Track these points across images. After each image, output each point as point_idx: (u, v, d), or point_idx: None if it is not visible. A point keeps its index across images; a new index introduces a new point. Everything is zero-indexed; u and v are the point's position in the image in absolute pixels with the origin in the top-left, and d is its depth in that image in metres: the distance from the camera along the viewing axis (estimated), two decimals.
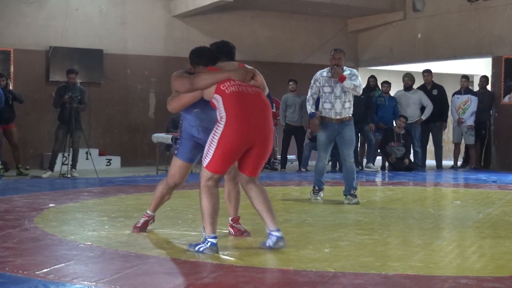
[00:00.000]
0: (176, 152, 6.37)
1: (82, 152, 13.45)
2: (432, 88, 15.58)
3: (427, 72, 15.76)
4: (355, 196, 8.87)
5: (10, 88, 13.34)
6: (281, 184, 12.29)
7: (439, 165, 15.92)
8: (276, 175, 14.12)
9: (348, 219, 8.00)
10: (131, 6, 15.90)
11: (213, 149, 5.37)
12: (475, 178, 13.38)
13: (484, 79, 15.98)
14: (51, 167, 13.21)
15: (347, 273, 5.01)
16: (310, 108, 9.22)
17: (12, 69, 14.32)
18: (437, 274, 5.10)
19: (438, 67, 16.98)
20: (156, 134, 14.39)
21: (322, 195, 9.25)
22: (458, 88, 15.90)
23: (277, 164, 15.66)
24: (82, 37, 15.34)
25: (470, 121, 15.33)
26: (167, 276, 5.01)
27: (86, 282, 4.67)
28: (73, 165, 13.04)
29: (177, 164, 6.23)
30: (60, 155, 13.08)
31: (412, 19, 17.34)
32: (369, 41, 18.78)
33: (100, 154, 14.66)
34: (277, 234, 5.43)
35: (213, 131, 5.46)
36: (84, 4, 15.36)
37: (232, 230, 6.40)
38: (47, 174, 13.00)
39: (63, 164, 12.95)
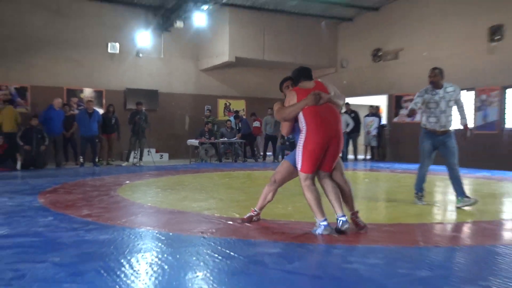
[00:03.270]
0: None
1: (145, 151, 13.46)
2: (351, 112, 15.69)
3: (347, 104, 16.01)
4: (468, 196, 6.12)
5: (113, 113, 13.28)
6: (263, 169, 12.17)
7: (356, 158, 15.95)
8: (259, 164, 13.99)
9: (301, 190, 7.81)
10: (175, 64, 15.97)
11: (301, 155, 4.56)
12: (376, 166, 13.45)
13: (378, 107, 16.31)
14: (127, 159, 13.33)
15: (302, 222, 5.06)
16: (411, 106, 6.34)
17: (104, 102, 14.45)
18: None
19: (355, 100, 17.12)
20: (189, 140, 14.60)
21: (423, 199, 6.47)
22: (367, 113, 16.00)
23: (260, 157, 15.75)
24: (145, 82, 15.38)
25: (374, 132, 15.64)
26: (196, 223, 5.08)
27: (148, 227, 4.84)
28: (140, 158, 13.10)
29: (284, 165, 5.05)
30: (132, 152, 13.19)
31: (340, 72, 17.31)
32: None
33: (156, 152, 14.67)
34: (342, 219, 4.46)
35: (298, 141, 4.62)
36: (147, 61, 15.50)
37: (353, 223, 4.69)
38: (125, 163, 13.10)
39: (134, 157, 13.10)
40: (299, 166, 4.63)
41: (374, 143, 15.65)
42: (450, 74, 13.52)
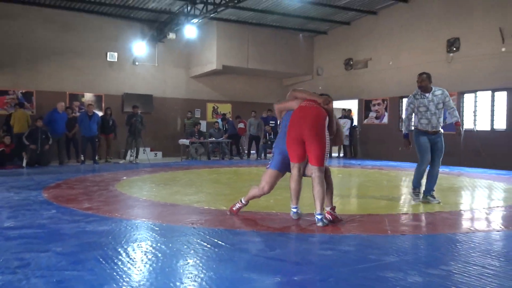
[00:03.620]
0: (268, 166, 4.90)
1: (141, 149, 13.33)
2: None
3: None
4: (434, 197, 5.99)
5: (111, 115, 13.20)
6: (247, 165, 12.14)
7: (330, 156, 15.79)
8: (244, 161, 13.96)
9: (282, 185, 7.81)
10: (168, 71, 15.90)
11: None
12: (349, 163, 13.46)
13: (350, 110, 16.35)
14: (124, 157, 13.24)
15: (283, 213, 5.08)
16: (405, 130, 6.21)
17: (103, 105, 14.35)
18: None
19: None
20: (181, 140, 14.55)
21: (420, 196, 6.12)
22: (340, 115, 15.82)
23: (245, 155, 15.75)
24: (141, 87, 15.30)
25: (346, 132, 15.59)
26: (187, 215, 5.06)
27: (143, 219, 4.83)
28: (136, 156, 12.98)
29: (268, 173, 4.83)
30: (129, 151, 13.09)
31: (316, 79, 17.32)
32: None
33: (151, 150, 14.53)
34: (318, 217, 4.40)
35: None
36: (143, 69, 15.42)
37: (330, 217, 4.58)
38: (122, 161, 13.01)
39: (131, 156, 12.99)
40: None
41: (346, 142, 15.68)
42: (412, 81, 13.64)
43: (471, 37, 12.15)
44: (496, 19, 11.50)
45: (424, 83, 6.06)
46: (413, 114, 6.16)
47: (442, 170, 10.85)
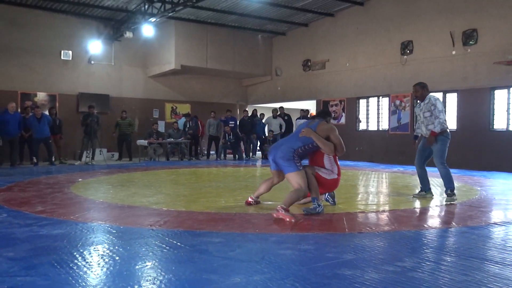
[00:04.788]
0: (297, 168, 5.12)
1: (97, 150, 13.04)
2: (285, 115, 16.00)
3: (281, 108, 16.22)
4: (450, 195, 6.06)
5: (57, 115, 12.98)
6: (207, 166, 12.11)
7: None
8: (203, 162, 13.89)
9: (241, 185, 7.89)
10: (125, 71, 15.69)
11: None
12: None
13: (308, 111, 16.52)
14: (80, 159, 12.99)
15: (243, 213, 5.10)
16: (414, 133, 6.76)
17: (57, 105, 14.00)
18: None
19: (288, 105, 17.36)
20: (139, 140, 14.36)
21: (423, 193, 6.44)
22: (298, 115, 16.02)
23: (202, 156, 15.67)
24: (97, 87, 15.07)
25: None
26: (145, 217, 4.98)
27: (99, 222, 4.71)
28: (93, 157, 12.77)
29: (301, 175, 5.08)
30: (85, 152, 12.86)
31: (275, 80, 17.47)
32: (253, 90, 18.63)
33: (108, 151, 14.17)
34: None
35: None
36: (98, 68, 15.15)
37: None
38: (77, 163, 12.73)
39: (86, 157, 12.74)
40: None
41: None
42: (368, 82, 14.09)
43: (424, 40, 12.58)
44: (447, 23, 11.94)
45: (418, 93, 6.34)
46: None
47: (397, 169, 11.22)
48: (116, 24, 14.58)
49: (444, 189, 6.23)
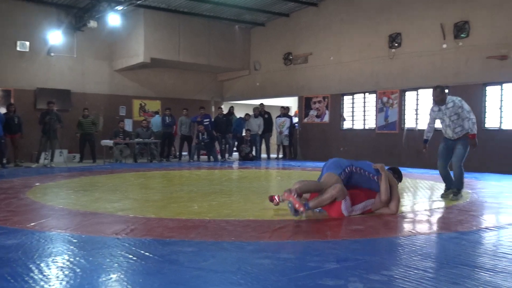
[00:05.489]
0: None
1: (57, 151, 12.89)
2: (264, 113, 16.07)
3: (262, 105, 16.31)
4: (456, 194, 6.74)
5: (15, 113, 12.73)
6: (178, 168, 12.08)
7: (268, 157, 16.29)
8: (175, 163, 13.85)
9: (216, 189, 7.83)
10: (88, 64, 15.55)
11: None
12: (288, 164, 13.66)
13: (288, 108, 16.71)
14: (37, 161, 12.79)
15: (217, 220, 5.09)
16: (424, 135, 7.17)
17: (12, 101, 13.71)
18: (269, 219, 5.23)
19: (268, 101, 17.41)
20: (103, 141, 14.26)
21: (449, 191, 6.92)
22: (279, 113, 16.24)
23: (173, 157, 15.63)
24: (57, 82, 14.90)
25: (286, 132, 15.95)
26: (110, 225, 4.95)
27: (59, 230, 4.64)
28: (51, 159, 12.60)
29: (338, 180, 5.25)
30: (43, 153, 12.68)
31: (254, 74, 17.50)
32: (229, 86, 18.66)
33: (69, 153, 14.11)
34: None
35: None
36: (59, 61, 14.97)
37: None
38: (35, 165, 12.54)
39: (45, 159, 12.57)
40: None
41: (286, 142, 15.98)
42: (354, 78, 14.23)
43: (413, 33, 12.75)
44: (437, 15, 12.13)
45: (438, 97, 6.77)
46: (434, 122, 7.05)
47: None
48: (79, 13, 14.41)
49: (442, 191, 7.01)
